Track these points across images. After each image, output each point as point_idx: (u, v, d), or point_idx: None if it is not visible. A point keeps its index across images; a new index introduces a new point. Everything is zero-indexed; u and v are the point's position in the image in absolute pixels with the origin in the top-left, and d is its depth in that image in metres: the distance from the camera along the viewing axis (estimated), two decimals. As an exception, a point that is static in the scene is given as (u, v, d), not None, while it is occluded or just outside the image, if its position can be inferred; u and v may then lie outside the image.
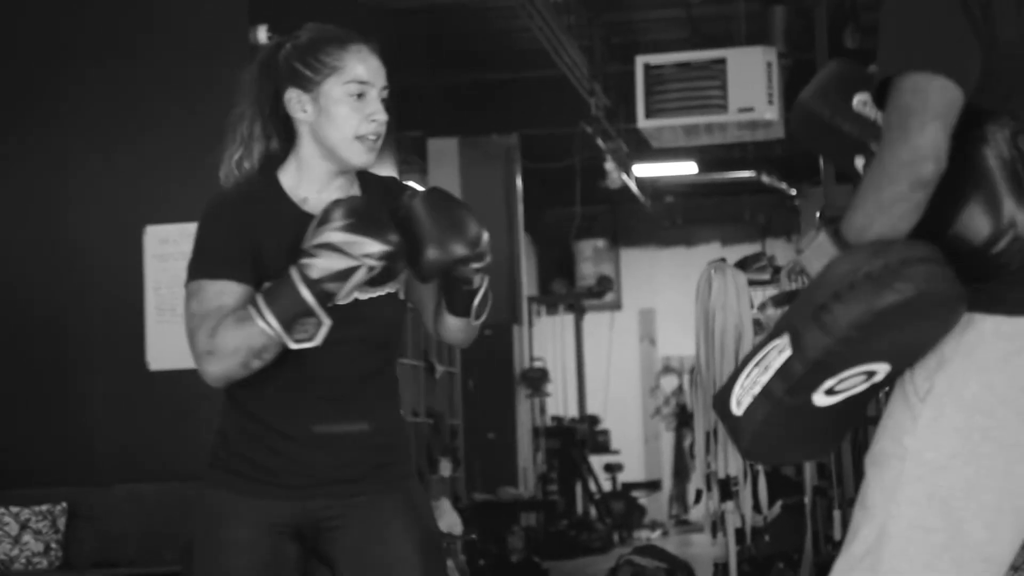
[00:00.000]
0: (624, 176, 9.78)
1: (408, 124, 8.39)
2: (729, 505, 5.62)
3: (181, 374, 4.99)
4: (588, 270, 12.92)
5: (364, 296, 2.25)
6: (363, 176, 2.33)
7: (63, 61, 5.30)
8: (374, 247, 2.12)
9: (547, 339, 12.75)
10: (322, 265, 2.11)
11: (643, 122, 7.04)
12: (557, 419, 11.74)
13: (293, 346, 2.12)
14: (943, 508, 1.76)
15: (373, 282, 2.18)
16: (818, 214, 1.75)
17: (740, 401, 1.77)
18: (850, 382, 1.78)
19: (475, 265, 2.22)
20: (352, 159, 2.24)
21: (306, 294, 2.11)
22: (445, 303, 2.33)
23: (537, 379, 10.69)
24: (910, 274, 1.69)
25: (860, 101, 1.91)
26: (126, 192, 5.15)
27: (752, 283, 5.81)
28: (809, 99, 1.96)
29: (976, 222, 1.73)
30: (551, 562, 8.65)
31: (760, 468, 5.58)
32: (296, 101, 2.25)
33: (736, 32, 7.46)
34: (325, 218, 2.14)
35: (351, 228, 2.12)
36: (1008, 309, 1.76)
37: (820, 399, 1.78)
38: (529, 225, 11.22)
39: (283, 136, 2.30)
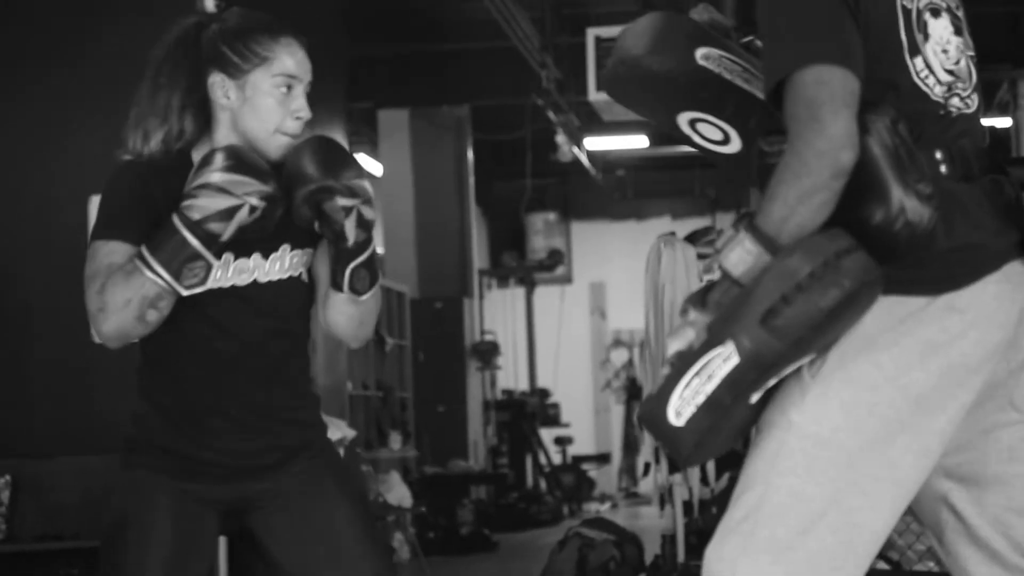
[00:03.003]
0: (575, 149, 9.78)
1: (358, 95, 8.33)
2: (677, 477, 5.66)
3: (126, 346, 4.95)
4: (539, 243, 12.94)
5: (264, 279, 2.24)
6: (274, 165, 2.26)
7: (8, 32, 5.23)
8: (254, 186, 2.10)
9: (498, 312, 12.76)
10: (203, 205, 2.09)
11: (594, 95, 7.04)
12: (508, 392, 11.77)
13: (184, 292, 2.10)
14: (822, 478, 1.81)
15: (256, 228, 2.14)
16: (736, 214, 1.74)
17: (680, 412, 1.76)
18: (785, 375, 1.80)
19: (343, 201, 2.17)
20: (270, 153, 2.20)
21: (190, 237, 2.08)
22: (330, 276, 2.27)
23: (488, 352, 10.70)
24: (848, 267, 1.71)
25: (703, 55, 1.92)
26: (71, 160, 5.09)
27: (701, 256, 5.83)
28: (645, 55, 1.94)
29: (868, 211, 1.75)
30: (501, 535, 8.68)
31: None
32: (220, 86, 2.20)
33: (686, 5, 7.45)
34: (204, 162, 2.13)
35: (231, 168, 2.10)
36: (900, 289, 1.80)
37: (755, 397, 1.80)
38: (480, 197, 11.20)
39: (197, 115, 2.25)
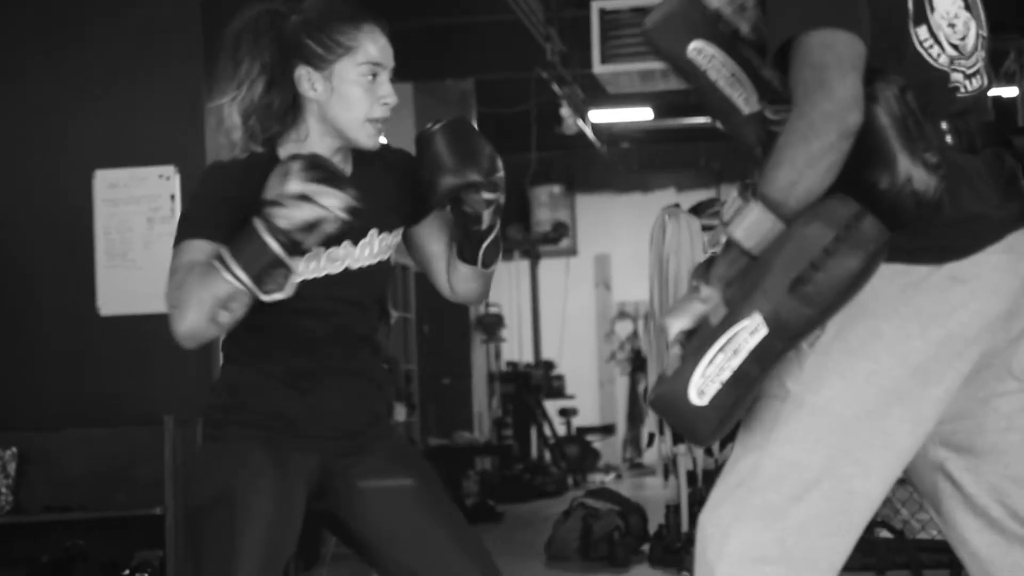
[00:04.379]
0: (580, 122, 9.77)
1: (362, 68, 8.30)
2: (681, 448, 5.69)
3: (132, 319, 4.97)
4: (544, 216, 12.92)
5: (356, 266, 2.26)
6: (356, 151, 2.30)
7: (9, 8, 5.22)
8: (338, 198, 2.09)
9: (503, 285, 12.77)
10: (289, 214, 2.08)
11: (598, 68, 7.02)
12: (512, 364, 11.78)
13: (264, 298, 2.10)
14: (817, 446, 1.82)
15: (336, 238, 2.17)
16: (739, 186, 1.70)
17: (703, 390, 1.75)
18: None
19: (487, 195, 2.21)
20: (361, 141, 2.22)
21: (272, 244, 2.08)
22: (456, 251, 2.33)
23: (492, 324, 10.71)
24: (867, 230, 1.72)
25: (695, 48, 1.91)
26: (75, 136, 5.10)
27: (706, 228, 5.84)
28: (651, 29, 1.94)
29: (874, 179, 1.75)
30: (506, 505, 8.72)
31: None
32: (306, 78, 2.20)
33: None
34: (286, 170, 2.11)
35: (316, 179, 2.09)
36: (904, 257, 1.80)
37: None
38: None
39: (282, 103, 2.24)
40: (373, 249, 2.29)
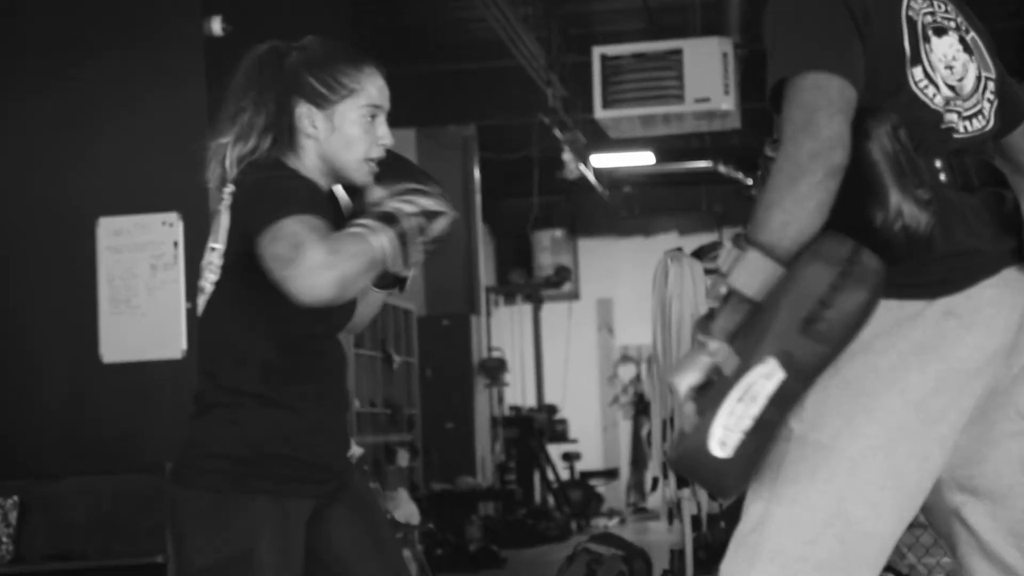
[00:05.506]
0: (582, 166, 9.80)
1: (365, 114, 8.32)
2: (686, 492, 5.66)
3: (134, 366, 4.97)
4: (546, 260, 12.94)
5: None
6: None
7: (14, 54, 5.25)
8: (440, 196, 2.22)
9: (505, 329, 12.76)
10: (412, 206, 2.17)
11: (600, 112, 7.05)
12: (515, 408, 11.76)
13: (402, 270, 2.19)
14: (826, 487, 1.81)
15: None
16: (732, 237, 1.75)
17: (725, 442, 1.74)
18: None
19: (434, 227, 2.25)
20: (358, 179, 2.25)
21: (408, 223, 2.15)
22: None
23: (495, 369, 10.70)
24: (867, 264, 1.73)
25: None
26: (79, 183, 5.12)
27: (708, 272, 5.84)
28: None
29: (867, 214, 1.77)
30: (509, 551, 8.67)
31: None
32: (307, 116, 2.23)
33: (692, 23, 7.48)
34: (395, 173, 2.23)
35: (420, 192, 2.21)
36: (897, 293, 1.80)
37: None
38: (487, 215, 11.22)
39: (280, 139, 2.25)
40: None
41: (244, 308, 2.20)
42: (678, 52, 6.89)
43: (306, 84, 2.22)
